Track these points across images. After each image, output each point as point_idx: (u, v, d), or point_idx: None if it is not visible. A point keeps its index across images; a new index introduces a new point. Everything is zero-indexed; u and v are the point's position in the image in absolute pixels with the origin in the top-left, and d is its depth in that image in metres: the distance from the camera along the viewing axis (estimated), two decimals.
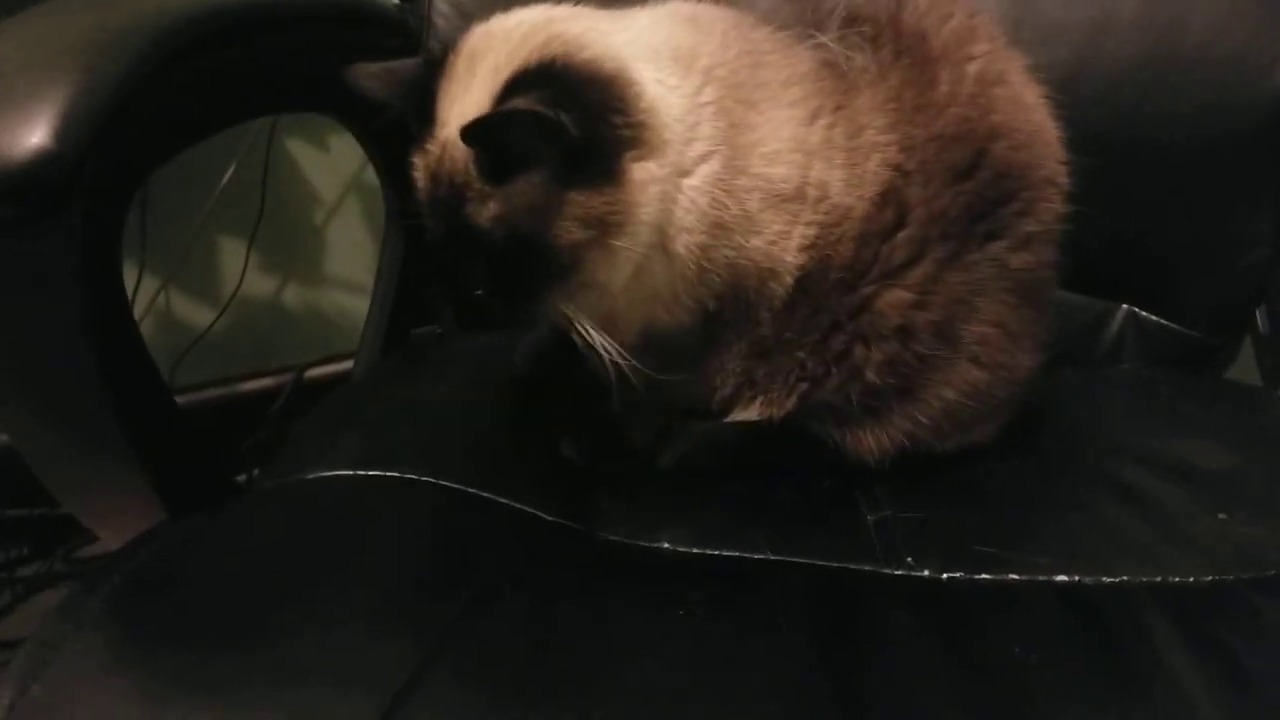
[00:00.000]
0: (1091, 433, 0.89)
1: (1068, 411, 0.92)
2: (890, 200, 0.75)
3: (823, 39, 0.75)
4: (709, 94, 0.72)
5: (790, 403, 0.79)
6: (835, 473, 0.80)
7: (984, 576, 0.69)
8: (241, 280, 1.63)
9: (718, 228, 0.72)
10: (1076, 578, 0.68)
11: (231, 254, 1.64)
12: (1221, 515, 0.75)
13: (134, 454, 0.73)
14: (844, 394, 0.78)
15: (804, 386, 0.79)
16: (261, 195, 1.57)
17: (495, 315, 0.73)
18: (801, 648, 0.61)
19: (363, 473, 0.75)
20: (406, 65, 0.77)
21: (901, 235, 0.75)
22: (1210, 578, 0.68)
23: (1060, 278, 0.85)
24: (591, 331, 0.72)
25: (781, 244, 0.74)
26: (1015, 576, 0.69)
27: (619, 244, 0.70)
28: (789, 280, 0.75)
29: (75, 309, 0.68)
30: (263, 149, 1.54)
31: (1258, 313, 1.08)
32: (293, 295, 1.72)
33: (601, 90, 0.68)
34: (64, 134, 0.60)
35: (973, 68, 0.77)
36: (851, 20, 0.77)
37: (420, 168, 0.73)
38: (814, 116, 0.74)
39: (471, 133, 0.66)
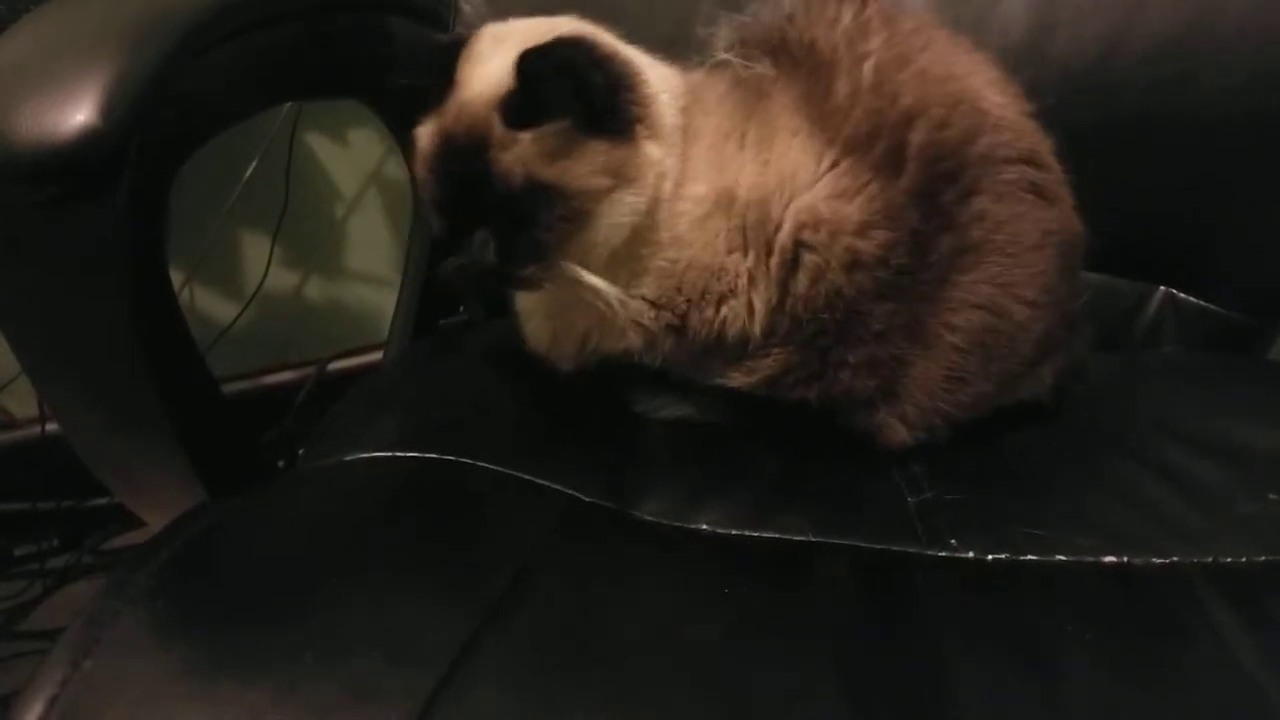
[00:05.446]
0: (1133, 414, 0.87)
1: (1108, 393, 0.91)
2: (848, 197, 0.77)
3: (725, 56, 0.83)
4: (679, 120, 0.79)
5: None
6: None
7: (1030, 558, 0.68)
8: (266, 275, 1.64)
9: (673, 241, 0.79)
10: (1125, 558, 0.67)
11: (255, 248, 1.64)
12: (1272, 496, 0.73)
13: (177, 436, 0.73)
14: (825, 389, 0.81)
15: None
16: (285, 190, 1.57)
17: (495, 283, 0.77)
18: (861, 624, 0.61)
19: (402, 454, 0.75)
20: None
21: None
22: (1263, 558, 0.67)
23: (1094, 259, 0.85)
24: (591, 278, 0.76)
25: (714, 246, 0.79)
26: (1062, 558, 0.67)
27: (630, 196, 0.76)
28: (739, 279, 0.79)
29: (124, 291, 0.68)
30: (285, 144, 1.54)
31: None
32: (315, 289, 1.72)
33: (617, 68, 0.75)
34: (109, 112, 0.60)
35: (869, 62, 0.79)
36: (745, 44, 0.84)
37: (432, 129, 0.77)
38: (726, 136, 0.80)
39: (525, 58, 0.72)
